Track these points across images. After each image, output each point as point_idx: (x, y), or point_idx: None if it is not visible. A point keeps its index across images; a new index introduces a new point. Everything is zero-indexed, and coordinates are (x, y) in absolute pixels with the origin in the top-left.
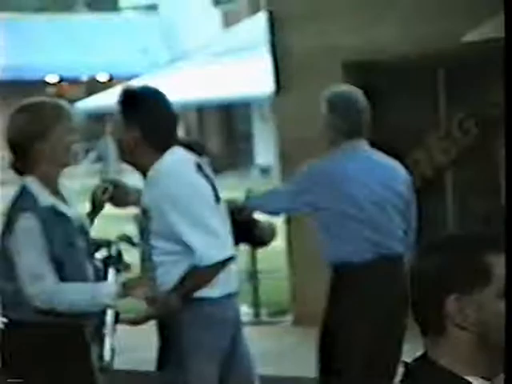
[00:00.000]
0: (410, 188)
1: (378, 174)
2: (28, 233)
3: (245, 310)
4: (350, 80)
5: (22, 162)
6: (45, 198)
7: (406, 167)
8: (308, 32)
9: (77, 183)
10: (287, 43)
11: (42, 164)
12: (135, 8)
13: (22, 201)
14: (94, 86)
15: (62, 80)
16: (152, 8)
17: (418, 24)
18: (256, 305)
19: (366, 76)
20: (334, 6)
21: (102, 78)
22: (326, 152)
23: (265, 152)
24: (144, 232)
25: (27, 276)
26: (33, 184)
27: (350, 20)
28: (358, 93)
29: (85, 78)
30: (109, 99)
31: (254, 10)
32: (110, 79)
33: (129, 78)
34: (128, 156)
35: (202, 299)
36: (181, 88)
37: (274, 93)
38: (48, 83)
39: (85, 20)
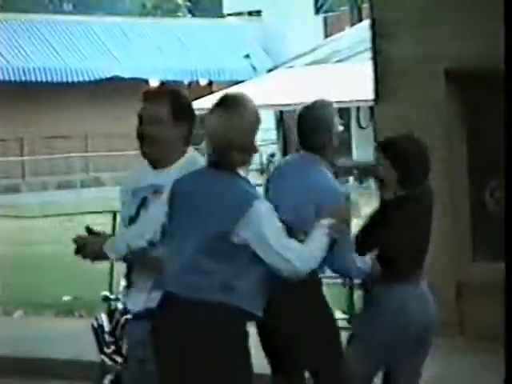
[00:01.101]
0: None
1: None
2: (271, 211)
3: None
4: (452, 89)
5: (227, 161)
6: None
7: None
8: (411, 39)
9: None
10: (389, 51)
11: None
12: (238, 14)
13: (252, 188)
14: (194, 91)
15: (163, 83)
16: (255, 14)
17: None
18: None
19: (468, 85)
20: (438, 13)
21: (204, 82)
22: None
23: (363, 157)
24: None
25: (292, 253)
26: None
27: (456, 28)
28: (318, 109)
29: (186, 82)
30: (207, 104)
31: (356, 18)
32: (210, 84)
33: (230, 84)
34: (165, 152)
35: None
36: (281, 93)
37: (374, 100)
38: (149, 85)
39: (188, 25)
